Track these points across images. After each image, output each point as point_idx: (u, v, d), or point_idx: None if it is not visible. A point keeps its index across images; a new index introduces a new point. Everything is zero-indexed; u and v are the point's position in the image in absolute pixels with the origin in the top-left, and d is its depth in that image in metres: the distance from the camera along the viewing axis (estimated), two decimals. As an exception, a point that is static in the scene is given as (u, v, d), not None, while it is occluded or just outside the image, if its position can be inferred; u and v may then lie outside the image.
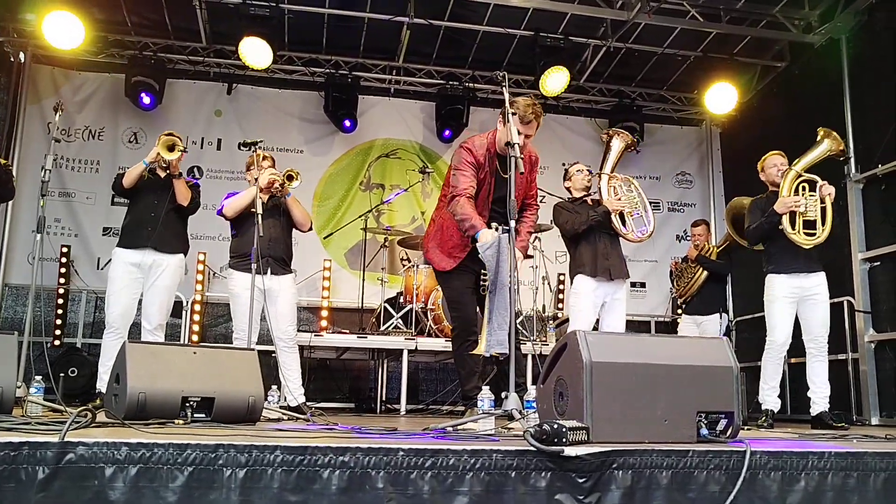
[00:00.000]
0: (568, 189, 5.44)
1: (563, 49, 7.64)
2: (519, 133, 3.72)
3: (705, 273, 6.62)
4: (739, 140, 8.72)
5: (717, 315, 6.60)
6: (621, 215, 5.11)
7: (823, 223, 4.87)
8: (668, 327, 8.43)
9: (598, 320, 5.17)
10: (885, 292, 6.43)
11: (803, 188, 4.95)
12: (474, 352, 3.92)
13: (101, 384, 4.94)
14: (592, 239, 5.10)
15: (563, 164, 8.90)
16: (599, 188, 5.23)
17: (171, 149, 4.97)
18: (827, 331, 4.97)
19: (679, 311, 7.08)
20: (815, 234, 4.87)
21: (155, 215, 5.07)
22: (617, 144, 5.35)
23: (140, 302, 5.11)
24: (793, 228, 4.87)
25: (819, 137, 5.12)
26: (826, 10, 7.18)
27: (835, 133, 5.12)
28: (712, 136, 9.29)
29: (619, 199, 5.09)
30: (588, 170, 5.39)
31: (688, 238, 7.33)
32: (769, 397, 5.01)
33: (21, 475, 1.98)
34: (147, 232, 5.03)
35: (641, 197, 5.19)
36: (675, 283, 6.95)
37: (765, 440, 2.92)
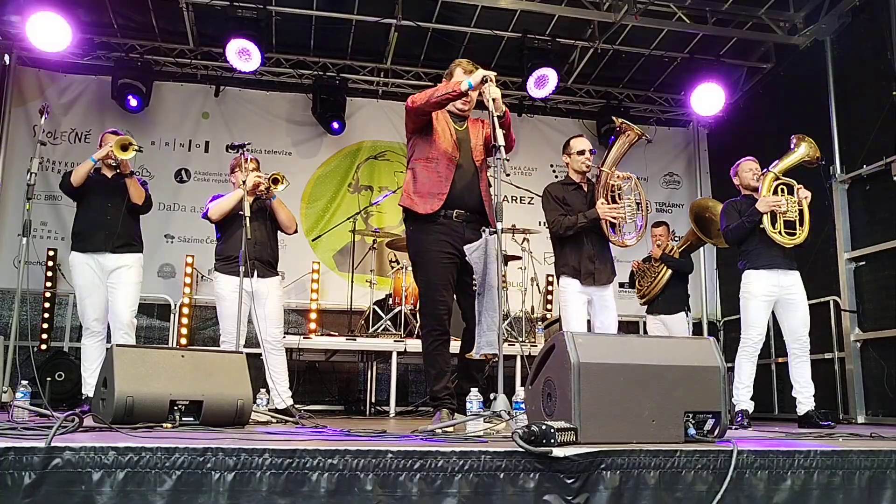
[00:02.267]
0: (566, 164, 4.97)
1: (550, 51, 7.67)
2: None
3: (669, 272, 6.67)
4: (726, 141, 8.77)
5: (683, 313, 6.65)
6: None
7: (801, 225, 4.93)
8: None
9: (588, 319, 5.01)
10: (870, 292, 6.48)
11: (782, 190, 4.99)
12: (468, 354, 3.89)
13: (87, 389, 4.91)
14: (579, 240, 4.74)
15: (551, 166, 8.96)
16: (597, 182, 4.85)
17: (124, 148, 4.89)
18: (808, 329, 5.00)
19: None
20: (794, 235, 4.92)
21: (111, 218, 5.00)
22: (621, 139, 4.88)
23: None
24: (773, 228, 4.91)
25: (794, 143, 5.17)
26: (811, 12, 7.25)
27: (810, 139, 5.16)
28: (699, 136, 9.35)
29: (613, 207, 4.68)
30: (591, 150, 4.86)
31: (677, 238, 7.39)
32: (744, 397, 4.99)
33: (7, 481, 1.96)
34: (104, 235, 4.98)
35: (640, 196, 4.80)
36: (637, 284, 6.98)
37: (751, 440, 2.94)
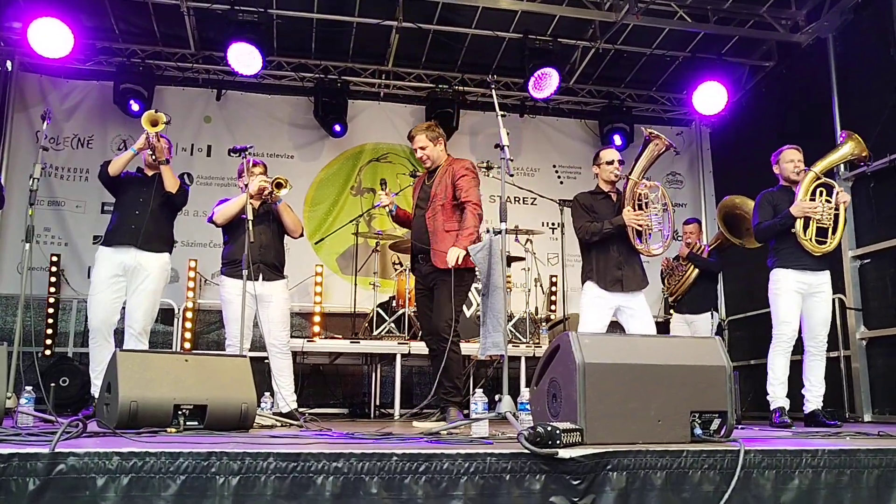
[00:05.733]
0: (596, 175, 5.02)
1: (551, 51, 7.64)
2: (413, 150, 4.88)
3: (696, 271, 6.63)
4: (729, 139, 8.75)
5: (709, 314, 6.60)
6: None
7: (835, 231, 4.82)
8: (662, 327, 8.43)
9: (616, 324, 4.97)
10: (875, 289, 6.45)
11: (820, 192, 4.88)
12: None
13: (94, 390, 4.89)
14: (606, 247, 4.80)
15: (554, 167, 8.95)
16: (624, 190, 4.88)
17: (154, 123, 4.87)
18: (828, 329, 4.94)
19: (671, 310, 7.09)
20: (825, 242, 4.83)
21: (140, 213, 4.99)
22: (650, 148, 4.92)
23: (124, 307, 5.01)
24: (805, 235, 4.82)
25: (843, 139, 5.06)
26: (812, 10, 7.22)
27: (857, 136, 5.09)
28: (702, 136, 9.32)
29: (638, 214, 4.73)
30: (620, 161, 4.91)
31: (679, 238, 7.36)
32: (780, 394, 4.86)
33: (11, 487, 1.96)
34: (131, 230, 4.95)
35: (667, 205, 4.84)
36: (665, 282, 6.96)
37: (758, 439, 2.93)
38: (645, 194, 4.81)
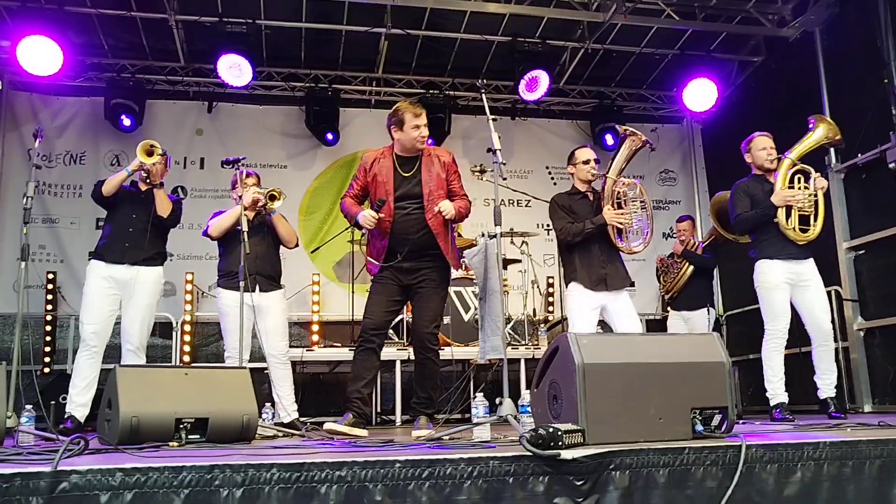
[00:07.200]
0: (572, 175, 4.95)
1: (541, 53, 7.68)
2: (417, 126, 4.08)
3: (691, 268, 6.65)
4: (721, 135, 8.77)
5: (705, 309, 6.62)
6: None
7: (816, 217, 4.78)
8: (659, 325, 8.45)
9: (603, 324, 4.93)
10: (870, 280, 6.48)
11: (798, 179, 4.85)
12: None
13: (71, 407, 4.82)
14: (587, 246, 4.73)
15: (547, 168, 8.97)
16: (603, 189, 4.85)
17: (149, 154, 4.87)
18: (829, 317, 4.87)
19: (667, 307, 7.10)
20: (807, 230, 4.79)
21: (133, 230, 4.97)
22: (626, 145, 4.87)
23: (119, 322, 4.99)
24: (787, 223, 4.79)
25: (812, 125, 5.01)
26: (798, 4, 7.25)
27: (829, 119, 5.04)
28: (693, 132, 9.35)
29: (619, 213, 4.70)
30: (595, 160, 4.84)
31: (674, 235, 7.38)
32: (780, 390, 4.80)
33: (15, 507, 1.95)
34: (124, 247, 4.94)
35: (646, 203, 4.81)
36: (661, 279, 6.97)
37: (759, 433, 2.93)
38: (623, 192, 4.78)
